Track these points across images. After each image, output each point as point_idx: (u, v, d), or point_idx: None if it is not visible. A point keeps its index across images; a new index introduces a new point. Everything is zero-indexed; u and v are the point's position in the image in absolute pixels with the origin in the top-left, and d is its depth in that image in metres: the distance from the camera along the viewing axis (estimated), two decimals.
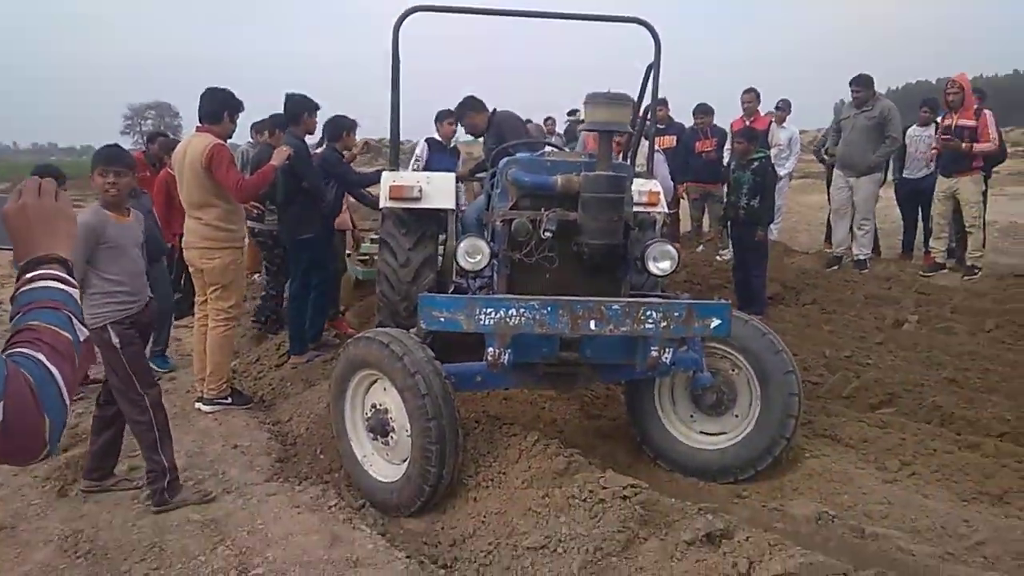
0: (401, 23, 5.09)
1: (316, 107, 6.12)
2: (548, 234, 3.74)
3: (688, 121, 9.98)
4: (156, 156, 7.91)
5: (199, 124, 5.17)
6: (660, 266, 3.92)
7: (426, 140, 7.91)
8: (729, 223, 7.72)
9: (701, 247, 10.00)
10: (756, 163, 7.05)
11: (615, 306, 3.46)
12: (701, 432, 4.16)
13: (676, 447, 4.13)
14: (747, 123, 8.88)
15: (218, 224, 5.12)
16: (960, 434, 4.53)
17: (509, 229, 3.85)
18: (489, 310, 3.42)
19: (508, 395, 5.19)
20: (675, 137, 9.74)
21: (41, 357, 1.15)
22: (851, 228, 8.35)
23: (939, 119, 7.86)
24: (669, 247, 3.95)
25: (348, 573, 3.21)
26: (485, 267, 3.90)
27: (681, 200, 10.31)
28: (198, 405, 5.29)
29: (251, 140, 8.46)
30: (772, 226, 9.38)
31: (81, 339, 1.26)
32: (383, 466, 3.89)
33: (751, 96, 9.13)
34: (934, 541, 3.33)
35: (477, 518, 3.51)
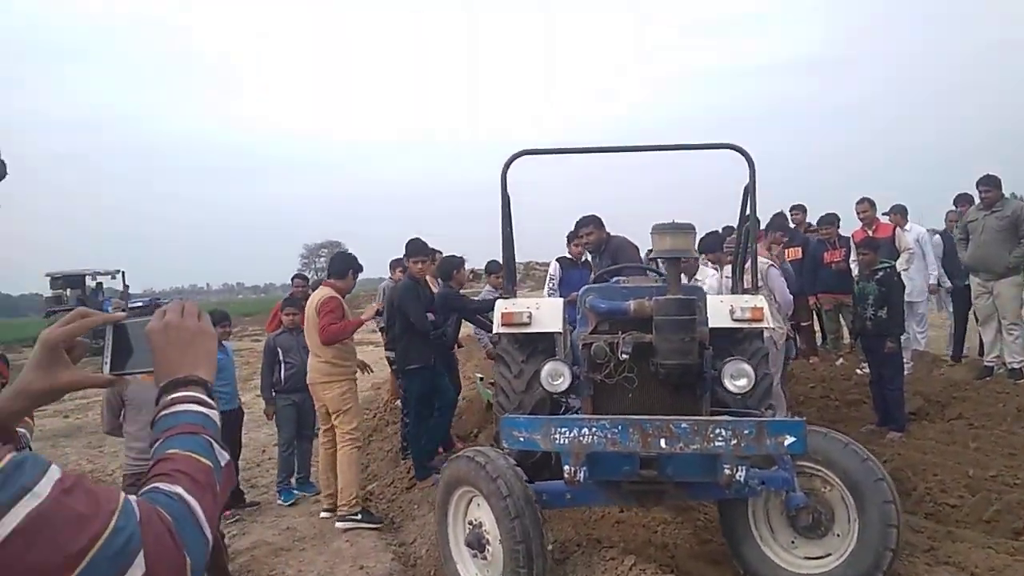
0: (509, 166, 5.66)
1: (461, 262, 7.23)
2: (625, 356, 3.98)
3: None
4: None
5: (326, 279, 6.21)
6: (737, 384, 4.02)
7: (557, 259, 8.40)
8: (859, 336, 7.51)
9: (841, 360, 9.64)
10: (881, 273, 6.93)
11: (684, 424, 3.58)
12: (806, 557, 4.05)
13: (779, 574, 4.04)
14: (868, 233, 8.71)
15: (334, 361, 6.03)
16: None
17: (589, 352, 4.12)
18: (564, 430, 3.66)
19: (621, 519, 5.27)
20: (800, 248, 9.66)
21: (180, 490, 1.08)
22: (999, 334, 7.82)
23: None
24: (745, 365, 4.05)
25: None
26: (567, 389, 4.18)
27: (815, 312, 10.07)
28: (324, 515, 6.04)
29: (391, 276, 9.28)
30: (919, 336, 8.98)
31: (222, 463, 1.19)
32: None
33: (865, 206, 8.98)
34: None
35: None
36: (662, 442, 3.56)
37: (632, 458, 3.87)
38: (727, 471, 3.61)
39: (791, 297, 6.90)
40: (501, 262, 6.48)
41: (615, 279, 4.96)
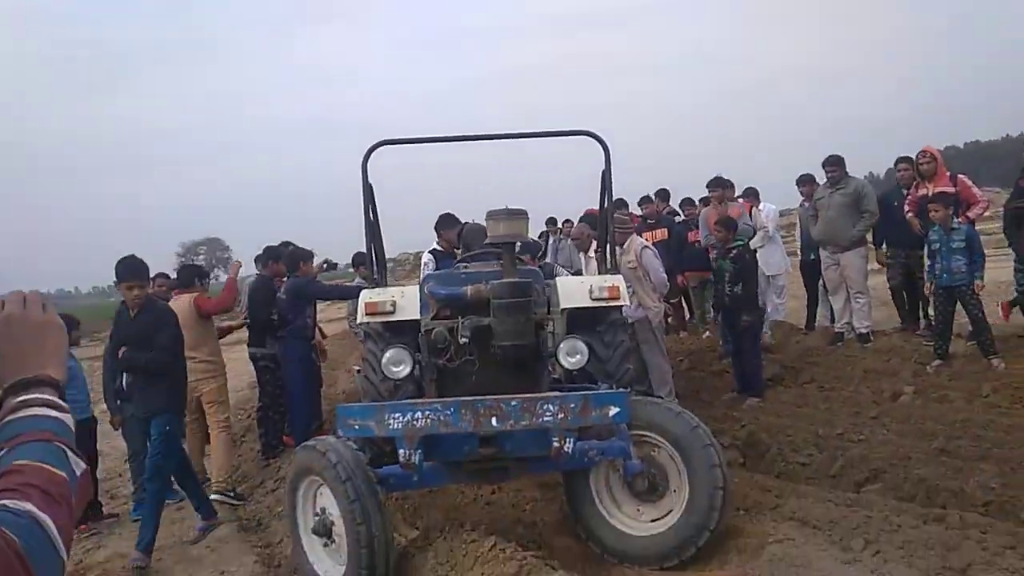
0: (368, 156, 5.54)
1: (310, 255, 7.20)
2: (465, 339, 4.07)
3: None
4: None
5: (177, 289, 6.85)
6: (571, 360, 4.17)
7: (430, 251, 8.30)
8: (719, 310, 7.84)
9: (708, 334, 10.04)
10: (735, 251, 7.22)
11: (513, 402, 3.68)
12: (652, 520, 4.21)
13: (630, 542, 4.18)
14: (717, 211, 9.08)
15: (210, 359, 6.56)
16: (944, 508, 4.46)
17: (430, 338, 4.13)
18: (396, 415, 3.70)
19: (491, 500, 5.29)
20: (666, 229, 9.98)
21: (30, 507, 0.98)
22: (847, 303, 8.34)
23: (909, 191, 7.94)
24: (579, 342, 4.21)
25: None
26: (408, 375, 4.23)
27: (683, 290, 10.45)
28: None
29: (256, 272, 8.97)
30: (779, 307, 9.43)
31: (78, 473, 1.08)
32: (334, 570, 4.07)
33: (717, 190, 9.38)
34: None
35: None
36: (493, 420, 3.64)
37: (472, 438, 3.92)
38: (555, 444, 3.70)
39: (664, 276, 7.10)
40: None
41: (457, 265, 4.97)
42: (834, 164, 8.10)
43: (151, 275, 8.36)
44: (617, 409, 3.72)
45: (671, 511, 4.15)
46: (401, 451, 3.75)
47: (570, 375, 4.51)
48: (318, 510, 4.16)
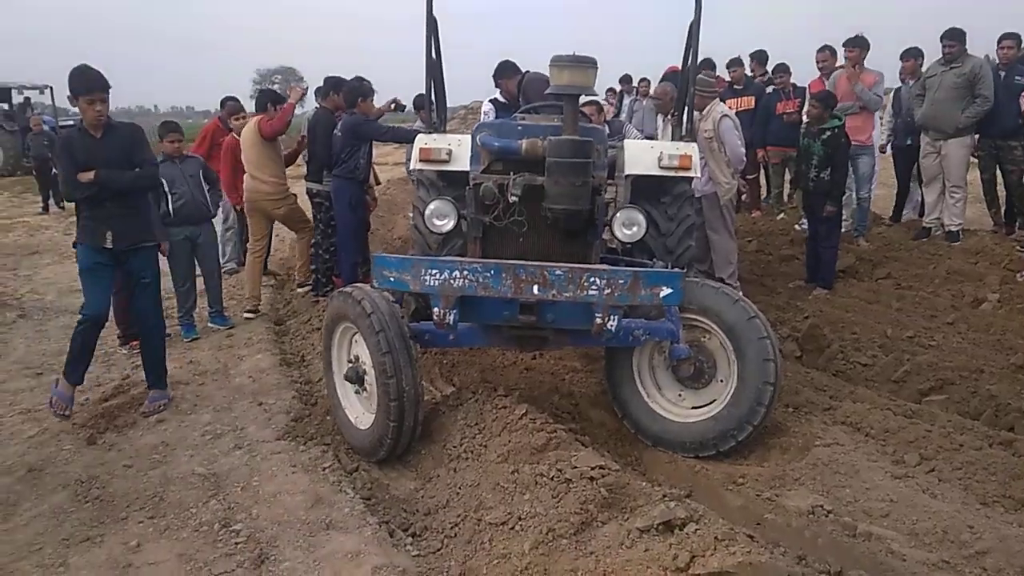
0: None
1: (370, 91, 6.88)
2: (515, 198, 3.78)
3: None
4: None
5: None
6: (627, 232, 3.91)
7: (491, 100, 7.85)
8: (801, 193, 7.25)
9: (782, 215, 9.48)
10: (828, 133, 6.57)
11: (558, 271, 3.43)
12: (692, 407, 4.04)
13: (667, 426, 4.03)
14: (825, 83, 8.24)
15: (274, 179, 6.89)
16: (1012, 430, 4.14)
17: (478, 193, 3.87)
18: (434, 271, 3.50)
19: (531, 365, 5.18)
20: (753, 98, 9.21)
21: None
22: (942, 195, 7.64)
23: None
24: (637, 213, 3.93)
25: (320, 534, 3.31)
26: (452, 229, 4.03)
27: (762, 166, 9.78)
28: (246, 315, 6.81)
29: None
30: (870, 191, 8.69)
31: None
32: (364, 416, 4.06)
33: (826, 54, 8.44)
34: (932, 546, 3.06)
35: (453, 489, 3.53)
36: (535, 288, 3.43)
37: (511, 303, 3.73)
38: (598, 320, 3.49)
39: (742, 150, 6.53)
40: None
41: (514, 117, 4.57)
42: (953, 39, 7.17)
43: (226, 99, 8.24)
44: (669, 290, 3.44)
45: (714, 400, 3.97)
46: (436, 309, 3.59)
47: (626, 247, 4.22)
48: (352, 357, 4.11)
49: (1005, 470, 3.53)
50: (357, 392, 4.10)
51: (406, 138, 6.29)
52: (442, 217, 4.04)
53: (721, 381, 3.97)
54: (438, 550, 3.18)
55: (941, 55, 7.28)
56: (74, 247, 4.74)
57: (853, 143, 7.29)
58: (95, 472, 3.94)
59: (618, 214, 3.93)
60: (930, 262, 7.15)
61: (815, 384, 4.79)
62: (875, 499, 3.40)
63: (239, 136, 7.61)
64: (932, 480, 3.56)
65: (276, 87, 72.05)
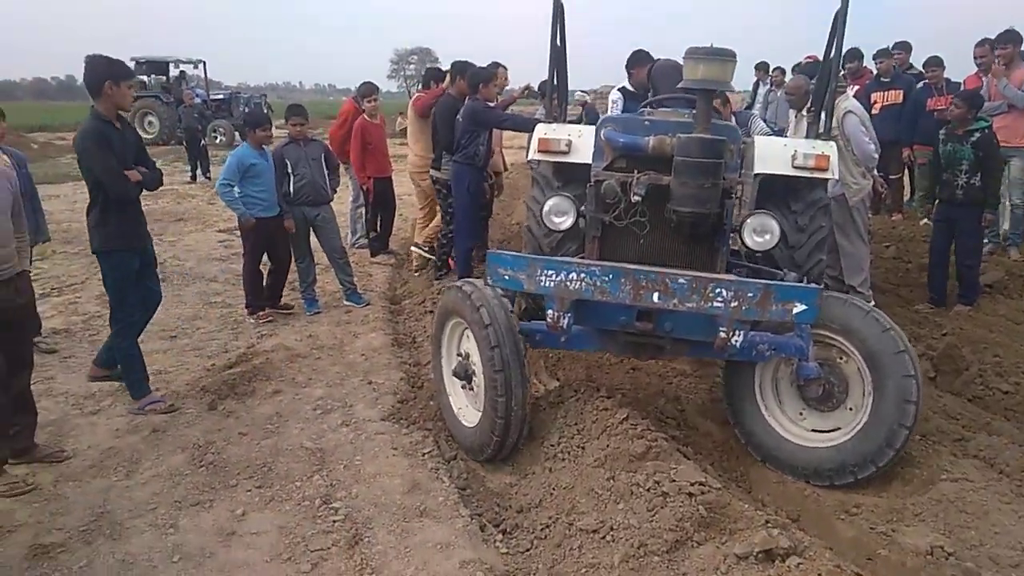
0: None
1: (492, 76, 6.76)
2: (638, 197, 3.62)
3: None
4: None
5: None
6: (758, 240, 3.69)
7: (619, 89, 7.71)
8: (947, 203, 6.54)
9: (925, 220, 8.80)
10: (977, 135, 5.98)
11: (681, 279, 3.23)
12: (813, 430, 3.78)
13: (782, 445, 3.78)
14: (983, 80, 7.53)
15: (423, 155, 7.47)
16: None
17: (599, 190, 3.74)
18: (550, 272, 3.38)
19: (637, 366, 5.06)
20: (902, 92, 8.55)
21: None
22: None
23: None
24: (771, 220, 3.67)
25: (414, 521, 3.37)
26: (571, 228, 3.91)
27: (907, 165, 9.10)
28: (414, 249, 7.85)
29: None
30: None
31: None
32: (469, 412, 4.07)
33: (985, 49, 7.66)
34: None
35: (547, 489, 3.50)
36: (655, 296, 3.25)
37: (629, 309, 3.58)
38: (722, 334, 3.27)
39: (871, 148, 6.07)
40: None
41: (642, 109, 4.40)
42: None
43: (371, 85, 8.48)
44: (804, 307, 3.19)
45: (840, 428, 3.69)
46: (550, 311, 3.49)
47: (752, 254, 3.99)
48: (461, 352, 4.11)
49: None
50: (464, 387, 4.10)
51: (526, 126, 6.25)
52: (561, 214, 3.94)
53: (851, 409, 3.68)
54: (527, 550, 3.17)
55: None
56: (100, 254, 4.38)
57: (1005, 145, 6.65)
58: (212, 438, 4.18)
59: (749, 219, 3.70)
60: None
61: (947, 411, 4.41)
62: (1004, 545, 3.09)
63: (370, 117, 7.88)
64: None
65: (412, 68, 73.96)
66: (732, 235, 3.89)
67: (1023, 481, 3.57)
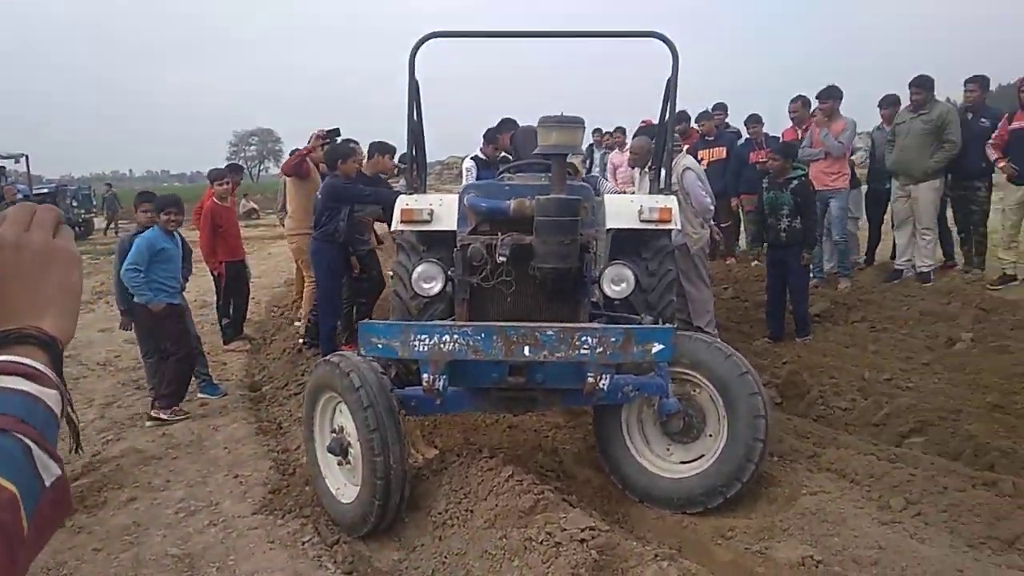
0: (417, 50, 5.14)
1: (350, 152, 6.70)
2: (503, 258, 3.78)
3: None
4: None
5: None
6: (615, 288, 3.94)
7: (472, 157, 7.97)
8: (771, 246, 7.20)
9: (756, 263, 9.59)
10: (795, 182, 6.66)
11: (549, 331, 3.40)
12: (681, 462, 3.99)
13: (656, 482, 3.97)
14: (798, 133, 8.45)
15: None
16: (992, 469, 4.14)
17: (465, 254, 3.87)
18: (423, 336, 3.45)
19: (513, 423, 5.12)
20: (725, 148, 9.41)
21: None
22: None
23: (1005, 120, 7.22)
24: (626, 269, 3.93)
25: None
26: (439, 293, 4.01)
27: (736, 212, 9.95)
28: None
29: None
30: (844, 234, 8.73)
31: (47, 482, 0.74)
32: (347, 488, 3.96)
33: (797, 105, 8.66)
34: None
35: (439, 558, 3.44)
36: (526, 350, 3.38)
37: (501, 365, 3.68)
38: (591, 379, 3.44)
39: (707, 200, 6.61)
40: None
41: (500, 176, 4.62)
42: (920, 86, 7.42)
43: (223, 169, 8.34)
44: (661, 346, 3.42)
45: (703, 456, 3.92)
46: (425, 375, 3.52)
47: (610, 303, 4.22)
48: (335, 427, 4.01)
49: (990, 511, 3.51)
50: (340, 463, 3.99)
51: (388, 199, 6.26)
52: (430, 279, 4.03)
53: (710, 436, 3.93)
54: None
55: (909, 101, 7.52)
56: None
57: (825, 187, 7.47)
58: (63, 558, 3.79)
59: (607, 271, 3.95)
60: (903, 303, 7.24)
61: (798, 431, 4.78)
62: (863, 547, 3.36)
63: (220, 200, 7.70)
64: (919, 524, 3.53)
65: (253, 149, 72.61)
66: (592, 286, 4.10)
67: (871, 486, 3.91)
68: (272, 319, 9.39)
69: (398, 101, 5.37)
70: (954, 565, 3.10)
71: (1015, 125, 7.05)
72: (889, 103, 8.24)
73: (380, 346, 3.51)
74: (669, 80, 5.18)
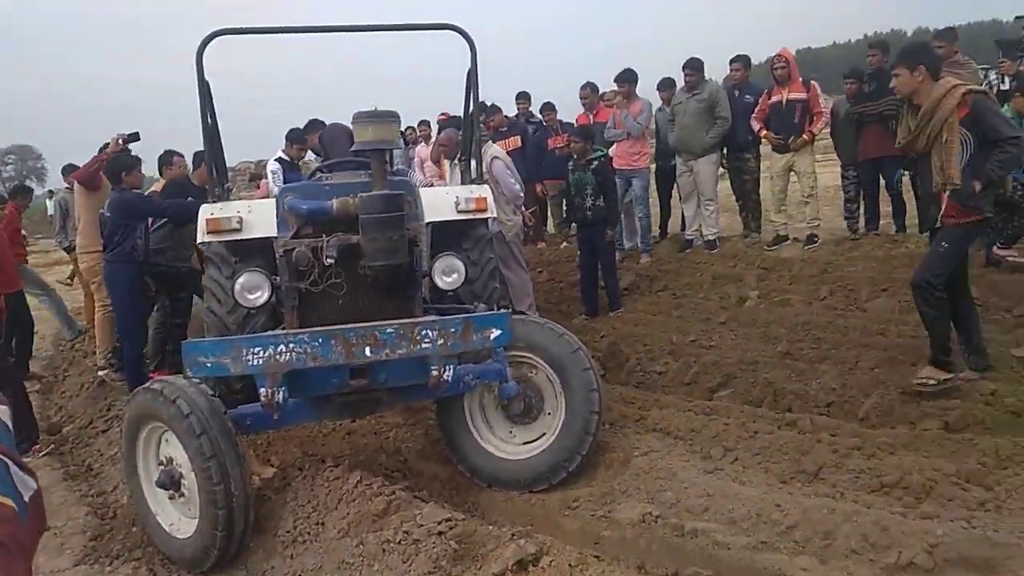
0: (204, 48, 4.81)
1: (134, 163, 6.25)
2: (330, 260, 3.71)
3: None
4: None
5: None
6: (447, 280, 4.01)
7: (276, 159, 7.64)
8: (579, 225, 7.61)
9: (565, 244, 10.05)
10: (596, 163, 7.07)
11: (389, 329, 3.41)
12: (524, 443, 4.15)
13: (502, 466, 4.09)
14: (590, 118, 8.94)
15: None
16: (791, 410, 4.68)
17: (290, 259, 3.75)
18: (257, 349, 3.31)
19: (352, 429, 5.04)
20: (519, 137, 9.73)
21: None
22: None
23: (765, 95, 8.09)
24: (456, 260, 4.00)
25: None
26: (266, 302, 3.86)
27: (541, 198, 10.34)
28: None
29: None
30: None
31: (25, 497, 0.79)
32: (183, 523, 3.72)
33: (587, 91, 9.19)
34: (749, 530, 3.36)
35: None
36: (367, 351, 3.36)
37: (341, 370, 3.62)
38: (435, 372, 3.49)
39: (517, 187, 6.86)
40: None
41: (318, 176, 4.50)
42: (692, 68, 8.08)
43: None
44: (499, 331, 3.54)
45: (544, 434, 4.08)
46: (262, 390, 3.35)
47: (439, 296, 4.26)
48: (163, 459, 3.72)
49: (795, 448, 3.98)
50: (172, 497, 3.71)
51: (188, 210, 5.81)
52: (255, 290, 3.85)
53: (549, 414, 4.09)
54: None
55: (684, 83, 8.18)
56: None
57: (628, 167, 7.98)
58: None
59: (437, 263, 3.98)
60: (697, 270, 7.93)
61: (624, 398, 5.11)
62: (694, 496, 3.67)
63: None
64: (738, 469, 3.93)
65: (11, 168, 64.93)
66: (423, 280, 4.12)
67: (693, 440, 4.28)
68: (61, 353, 8.52)
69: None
70: (773, 501, 3.47)
71: (773, 99, 7.91)
72: (666, 86, 8.90)
73: (209, 365, 3.32)
74: (469, 71, 5.27)
